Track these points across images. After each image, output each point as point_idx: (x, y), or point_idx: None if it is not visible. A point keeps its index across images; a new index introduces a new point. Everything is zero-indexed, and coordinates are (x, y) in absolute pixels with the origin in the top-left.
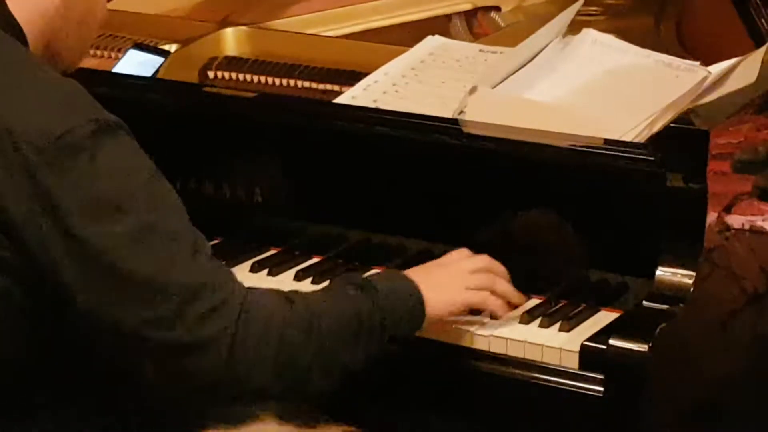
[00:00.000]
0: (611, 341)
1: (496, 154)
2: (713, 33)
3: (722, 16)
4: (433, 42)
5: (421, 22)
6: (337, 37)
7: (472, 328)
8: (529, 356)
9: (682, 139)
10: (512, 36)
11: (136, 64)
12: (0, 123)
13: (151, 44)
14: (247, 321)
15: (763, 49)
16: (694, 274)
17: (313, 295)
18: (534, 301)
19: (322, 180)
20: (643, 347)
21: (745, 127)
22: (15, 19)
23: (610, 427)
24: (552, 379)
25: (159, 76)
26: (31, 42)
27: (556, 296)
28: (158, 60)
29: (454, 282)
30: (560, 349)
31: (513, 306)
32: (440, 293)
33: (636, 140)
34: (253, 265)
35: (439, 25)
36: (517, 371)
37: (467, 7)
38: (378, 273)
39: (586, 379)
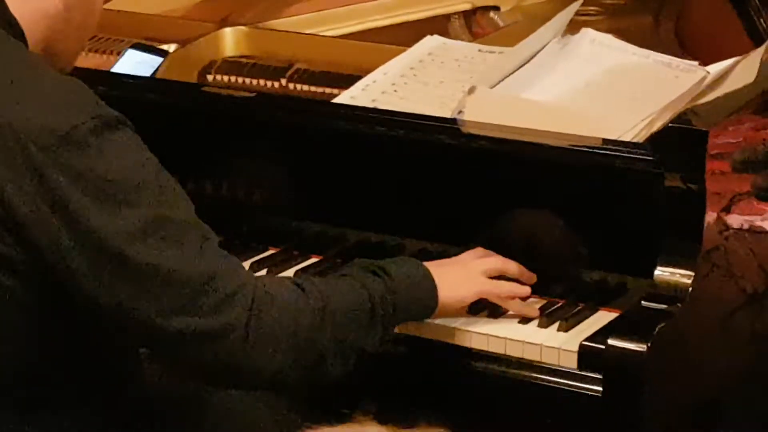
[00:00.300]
0: (610, 341)
1: (495, 154)
2: (712, 33)
3: (721, 15)
4: (432, 42)
5: (420, 22)
6: (336, 36)
7: (471, 328)
8: (527, 356)
9: (681, 139)
10: (511, 36)
11: (135, 64)
12: (4, 122)
13: (150, 44)
14: (260, 308)
15: (761, 49)
16: (692, 273)
17: (324, 280)
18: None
19: (321, 180)
20: (641, 347)
21: (744, 126)
22: (15, 19)
23: (608, 427)
24: (551, 378)
25: (158, 76)
26: (31, 43)
27: (554, 296)
28: (157, 60)
29: (466, 280)
30: (559, 348)
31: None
32: (452, 289)
33: (635, 140)
34: (252, 264)
35: (438, 25)
36: (516, 371)
37: (466, 6)
38: (393, 259)
39: (585, 379)
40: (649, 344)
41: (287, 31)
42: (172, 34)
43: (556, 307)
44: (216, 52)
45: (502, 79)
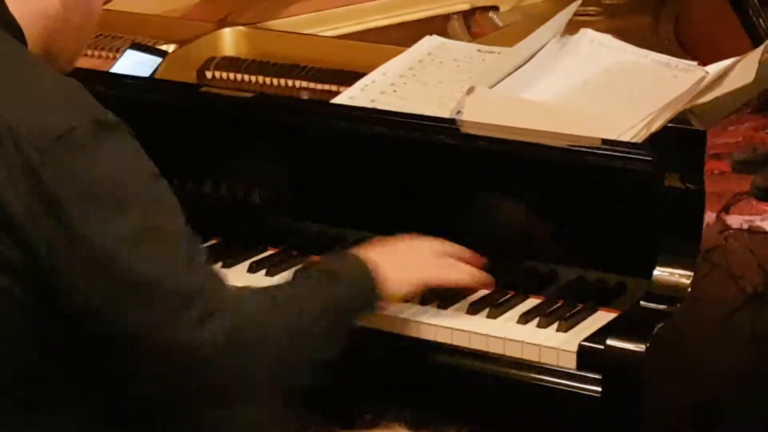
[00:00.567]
0: (609, 341)
1: (494, 154)
2: (711, 33)
3: (720, 15)
4: (431, 42)
5: (419, 22)
6: (335, 37)
7: (469, 328)
8: (526, 356)
9: (680, 139)
10: (510, 36)
11: (134, 64)
12: (2, 121)
13: (149, 44)
14: (240, 325)
15: (760, 49)
16: (691, 273)
17: (291, 289)
18: (532, 301)
19: (320, 180)
20: (640, 347)
21: (743, 126)
22: (14, 19)
23: (608, 428)
24: (549, 379)
25: (157, 76)
26: (30, 43)
27: (553, 296)
28: (156, 60)
29: (416, 263)
30: (558, 349)
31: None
32: (402, 273)
33: (634, 140)
34: (251, 265)
35: (437, 25)
36: (515, 371)
37: (465, 7)
38: (334, 257)
39: (584, 380)
40: (648, 344)
41: (286, 32)
42: (172, 34)
43: (555, 307)
44: (215, 53)
45: (501, 80)
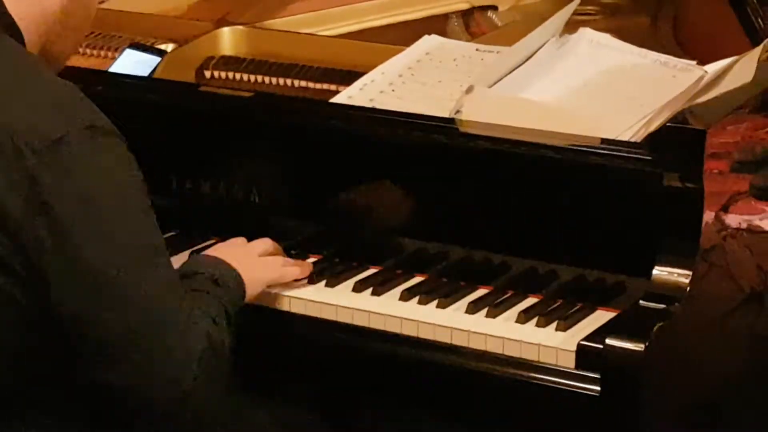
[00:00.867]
0: (608, 341)
1: (493, 153)
2: (710, 32)
3: (719, 15)
4: (429, 41)
5: (417, 22)
6: (333, 36)
7: (469, 327)
8: (525, 355)
9: (679, 139)
10: (509, 35)
11: (133, 63)
12: (1, 123)
13: (148, 44)
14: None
15: (759, 48)
16: (690, 273)
17: (203, 298)
18: (531, 301)
19: (318, 179)
20: (639, 347)
21: (742, 126)
22: (13, 20)
23: (606, 427)
24: (548, 378)
25: (156, 75)
26: (28, 45)
27: (552, 295)
28: (155, 59)
29: (255, 265)
30: (557, 348)
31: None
32: (251, 274)
33: (632, 139)
34: None
35: (436, 25)
36: (514, 370)
37: (464, 6)
38: (211, 260)
39: (583, 379)
40: (647, 344)
41: (285, 31)
42: (170, 33)
43: (554, 306)
44: (214, 52)
45: (500, 79)
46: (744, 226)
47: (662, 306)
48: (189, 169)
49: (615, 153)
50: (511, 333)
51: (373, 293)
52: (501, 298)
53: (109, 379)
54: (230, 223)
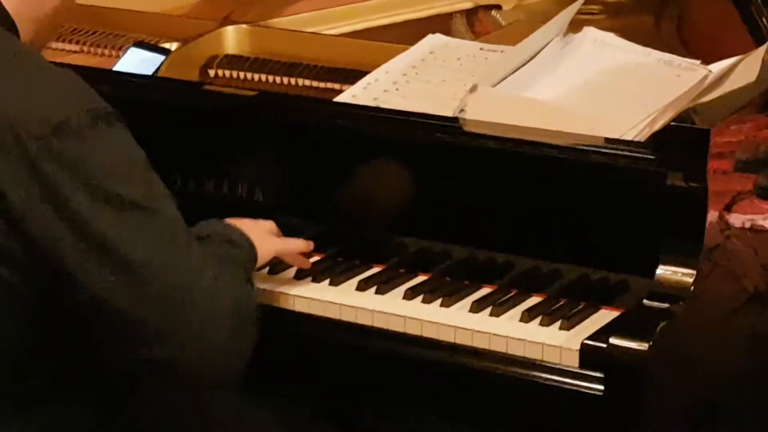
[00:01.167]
0: (611, 340)
1: (497, 152)
2: (714, 31)
3: (723, 14)
4: (433, 40)
5: (422, 21)
6: (338, 35)
7: (472, 326)
8: (529, 354)
9: (683, 138)
10: (513, 34)
11: (137, 62)
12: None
13: (152, 42)
14: (226, 308)
15: (763, 48)
16: (694, 272)
17: (223, 258)
18: (534, 300)
19: (322, 178)
20: (643, 346)
21: (746, 125)
22: (7, 12)
23: (610, 426)
24: (552, 377)
25: (160, 74)
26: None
27: (556, 294)
28: (159, 58)
29: (263, 235)
30: (560, 347)
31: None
32: (260, 242)
33: (636, 139)
34: None
35: (440, 24)
36: (517, 369)
37: (468, 5)
38: (224, 223)
39: (586, 378)
40: (650, 343)
41: (289, 30)
42: (175, 32)
43: (557, 305)
44: (218, 51)
45: (504, 78)
46: (748, 225)
47: (666, 305)
48: (193, 168)
49: (619, 152)
50: (514, 332)
51: (377, 292)
52: (505, 297)
53: (157, 356)
54: None
